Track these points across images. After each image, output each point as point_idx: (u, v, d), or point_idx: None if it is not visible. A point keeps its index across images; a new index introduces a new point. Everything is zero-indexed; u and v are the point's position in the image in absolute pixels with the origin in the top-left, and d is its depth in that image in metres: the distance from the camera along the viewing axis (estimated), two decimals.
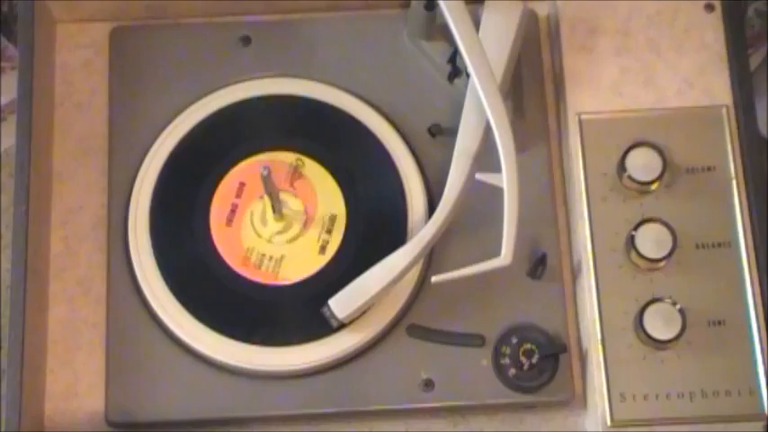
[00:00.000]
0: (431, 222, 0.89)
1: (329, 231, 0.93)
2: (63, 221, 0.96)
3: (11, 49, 1.10)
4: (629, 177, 0.92)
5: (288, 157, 0.95)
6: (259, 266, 0.92)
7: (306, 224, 0.93)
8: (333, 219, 0.93)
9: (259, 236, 0.93)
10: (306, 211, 0.94)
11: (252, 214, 0.93)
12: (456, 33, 0.90)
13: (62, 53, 0.99)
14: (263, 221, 0.93)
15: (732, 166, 0.93)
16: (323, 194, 0.94)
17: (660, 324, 0.88)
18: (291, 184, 0.94)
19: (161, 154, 0.95)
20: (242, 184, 0.94)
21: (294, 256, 0.93)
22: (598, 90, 0.95)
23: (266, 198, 0.92)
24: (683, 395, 0.89)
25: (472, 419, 0.92)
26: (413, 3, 0.96)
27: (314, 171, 0.95)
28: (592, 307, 0.90)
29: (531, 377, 0.90)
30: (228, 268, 0.92)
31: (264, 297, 0.92)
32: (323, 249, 0.93)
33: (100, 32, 1.00)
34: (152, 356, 0.91)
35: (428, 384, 0.91)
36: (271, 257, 0.92)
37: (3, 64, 1.12)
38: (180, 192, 0.94)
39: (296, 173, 0.94)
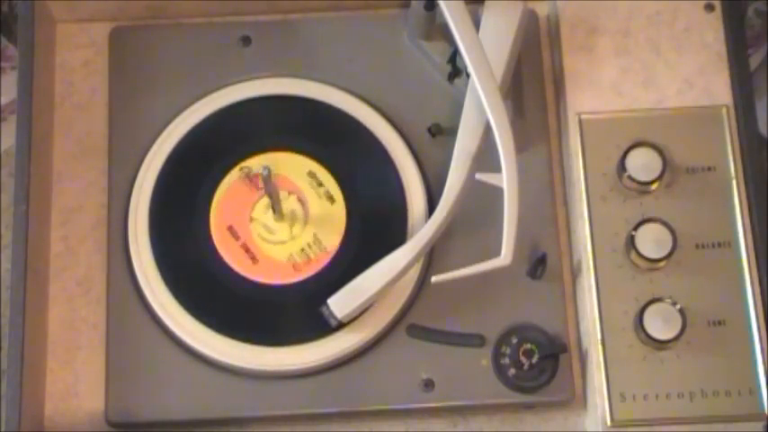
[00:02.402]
0: (431, 222, 0.89)
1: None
2: (63, 221, 0.96)
3: (11, 49, 1.10)
4: (629, 177, 0.92)
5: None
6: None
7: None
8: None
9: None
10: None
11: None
12: (456, 33, 0.90)
13: (62, 53, 0.99)
14: (264, 223, 0.93)
15: (732, 166, 0.93)
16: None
17: (660, 324, 0.88)
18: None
19: (161, 154, 0.95)
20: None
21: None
22: (598, 90, 0.95)
23: (266, 198, 0.92)
24: (683, 395, 0.89)
25: (472, 419, 0.92)
26: (413, 3, 0.96)
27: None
28: (592, 307, 0.90)
29: (531, 377, 0.90)
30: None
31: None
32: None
33: (100, 32, 1.00)
34: (152, 356, 0.91)
35: (428, 384, 0.91)
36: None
37: (3, 64, 1.12)
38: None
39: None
